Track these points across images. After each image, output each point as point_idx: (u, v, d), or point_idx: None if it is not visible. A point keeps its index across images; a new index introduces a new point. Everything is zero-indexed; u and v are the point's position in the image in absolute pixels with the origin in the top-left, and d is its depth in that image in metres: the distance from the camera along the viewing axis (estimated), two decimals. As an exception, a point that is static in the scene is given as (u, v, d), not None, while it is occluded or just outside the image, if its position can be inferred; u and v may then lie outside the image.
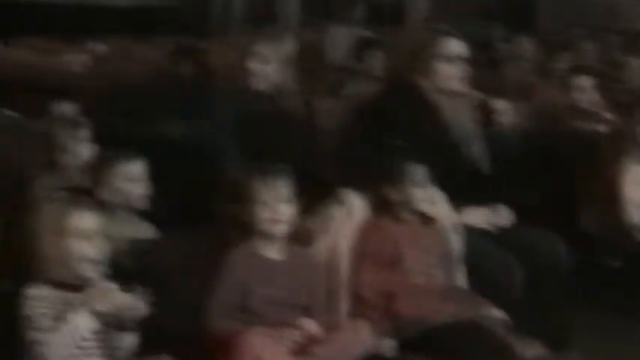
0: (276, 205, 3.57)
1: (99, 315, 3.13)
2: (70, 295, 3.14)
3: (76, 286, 3.17)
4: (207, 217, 3.93)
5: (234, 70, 5.49)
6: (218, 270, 3.53)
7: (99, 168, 4.09)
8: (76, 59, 8.22)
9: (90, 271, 3.19)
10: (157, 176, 4.10)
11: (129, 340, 3.21)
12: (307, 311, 3.61)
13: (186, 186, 4.58)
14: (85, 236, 3.19)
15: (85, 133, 4.65)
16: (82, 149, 4.59)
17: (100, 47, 8.86)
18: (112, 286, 3.19)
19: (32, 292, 3.13)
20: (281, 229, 3.60)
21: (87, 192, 4.02)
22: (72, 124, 4.73)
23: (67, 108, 5.18)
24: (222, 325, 3.45)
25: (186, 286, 3.55)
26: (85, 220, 3.21)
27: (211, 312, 3.48)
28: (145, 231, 3.96)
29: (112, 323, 3.16)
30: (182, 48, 6.86)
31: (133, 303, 3.15)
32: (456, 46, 4.49)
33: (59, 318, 3.08)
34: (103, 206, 3.40)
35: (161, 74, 7.50)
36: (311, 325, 3.50)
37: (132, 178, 4.02)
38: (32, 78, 7.78)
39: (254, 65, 5.26)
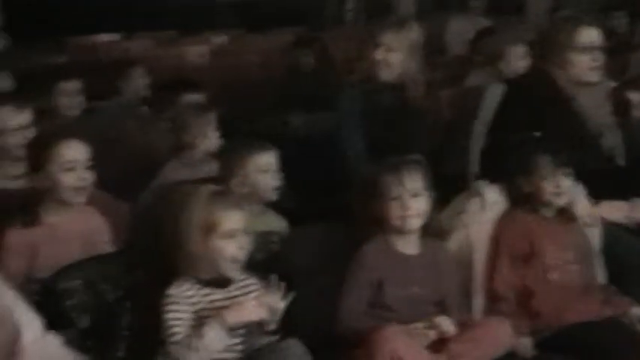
0: (410, 200, 3.49)
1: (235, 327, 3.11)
2: (210, 297, 3.12)
3: (219, 282, 3.14)
4: (336, 212, 3.88)
5: (358, 60, 5.43)
6: (350, 265, 3.47)
7: (231, 159, 4.05)
8: (195, 51, 8.25)
9: (234, 270, 3.15)
10: (282, 169, 4.06)
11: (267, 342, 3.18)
12: (441, 307, 3.53)
13: (312, 179, 4.54)
14: (232, 236, 3.14)
15: (212, 120, 4.64)
16: (211, 137, 4.58)
17: (219, 39, 8.90)
18: (250, 296, 3.16)
19: (173, 292, 3.11)
20: (415, 223, 3.52)
21: (218, 183, 4.01)
22: (200, 110, 4.71)
23: (193, 97, 5.15)
24: (356, 321, 3.39)
25: (317, 282, 3.49)
26: (234, 220, 3.15)
27: (344, 308, 3.42)
28: (278, 224, 3.92)
29: (251, 329, 3.15)
30: (302, 39, 6.83)
31: (272, 309, 3.12)
32: (591, 35, 4.35)
33: (196, 329, 3.05)
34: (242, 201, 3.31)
35: (281, 66, 7.51)
36: (446, 323, 3.41)
37: (264, 169, 3.98)
38: (153, 70, 7.84)
39: (380, 55, 5.16)
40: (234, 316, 3.08)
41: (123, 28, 9.18)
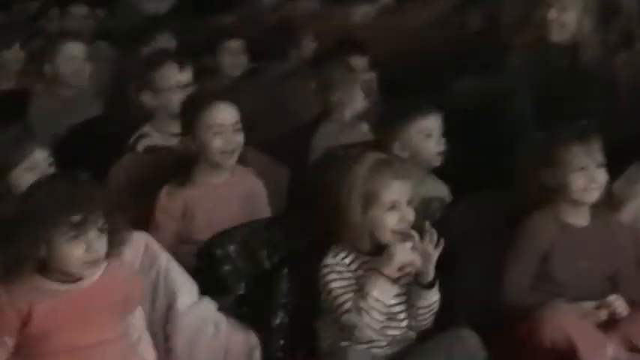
0: (594, 171, 3.28)
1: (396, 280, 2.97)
2: (370, 265, 3.00)
3: (379, 251, 3.01)
4: (501, 179, 3.70)
5: (527, 21, 5.20)
6: (516, 236, 3.29)
7: (392, 122, 3.91)
8: (360, 10, 8.11)
9: (390, 239, 3.01)
10: (447, 134, 3.90)
11: (432, 299, 3.03)
12: (613, 282, 3.32)
13: (477, 144, 4.36)
14: (394, 207, 2.99)
15: (370, 81, 4.51)
16: (357, 99, 4.46)
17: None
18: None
19: (331, 261, 3.00)
20: (596, 195, 3.30)
21: (377, 147, 3.89)
22: (346, 71, 4.58)
23: (357, 60, 5.02)
24: (521, 295, 3.23)
25: (480, 252, 3.34)
26: (397, 191, 2.99)
27: (508, 281, 3.25)
28: (439, 190, 3.78)
29: (412, 283, 3.01)
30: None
31: (425, 255, 2.96)
32: None
33: (359, 292, 2.94)
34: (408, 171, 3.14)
35: (449, 27, 7.29)
36: (619, 303, 3.21)
37: (428, 133, 3.83)
38: (318, 30, 7.75)
39: (552, 15, 4.92)
40: (388, 264, 2.93)
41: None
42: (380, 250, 2.99)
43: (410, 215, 3.00)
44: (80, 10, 6.40)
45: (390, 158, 3.08)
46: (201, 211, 3.61)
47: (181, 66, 4.20)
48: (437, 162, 3.85)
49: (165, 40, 5.42)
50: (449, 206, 3.57)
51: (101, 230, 2.72)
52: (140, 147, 4.11)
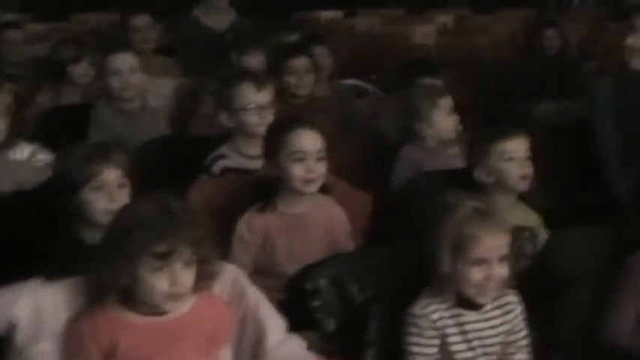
0: None
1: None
2: (461, 319, 2.85)
3: (472, 303, 2.85)
4: (593, 211, 3.54)
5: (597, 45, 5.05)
6: (620, 275, 3.11)
7: (477, 145, 3.75)
8: (421, 31, 8.00)
9: (481, 296, 2.83)
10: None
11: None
12: None
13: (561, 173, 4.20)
14: (483, 263, 2.79)
15: (446, 104, 4.36)
16: (442, 123, 4.31)
17: (445, 19, 8.62)
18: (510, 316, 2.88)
19: (418, 312, 2.84)
20: None
21: (462, 173, 3.74)
22: (431, 95, 4.43)
23: (430, 81, 4.88)
24: (623, 340, 3.05)
25: (580, 291, 3.16)
26: (488, 246, 2.79)
27: (610, 324, 3.08)
28: (531, 219, 3.61)
29: None
30: (543, 21, 6.45)
31: None
32: None
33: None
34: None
35: (514, 48, 7.17)
36: None
37: (510, 156, 3.66)
38: (378, 48, 7.64)
39: (633, 41, 4.75)
40: None
41: (345, 4, 8.99)
42: (471, 303, 2.84)
43: (499, 273, 2.80)
44: (143, 22, 6.28)
45: (487, 210, 2.86)
46: (281, 241, 3.47)
47: (259, 86, 4.07)
48: (522, 187, 3.69)
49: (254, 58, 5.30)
50: (547, 243, 3.38)
51: (188, 262, 2.58)
52: (217, 169, 3.98)
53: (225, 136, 4.41)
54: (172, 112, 5.23)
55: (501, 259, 2.79)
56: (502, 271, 2.79)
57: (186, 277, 2.58)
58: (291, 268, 3.43)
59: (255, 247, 3.46)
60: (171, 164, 4.25)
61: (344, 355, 2.89)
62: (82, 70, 5.50)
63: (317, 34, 6.27)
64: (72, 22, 8.34)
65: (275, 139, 3.50)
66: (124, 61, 4.78)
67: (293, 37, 6.07)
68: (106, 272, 2.57)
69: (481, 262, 2.77)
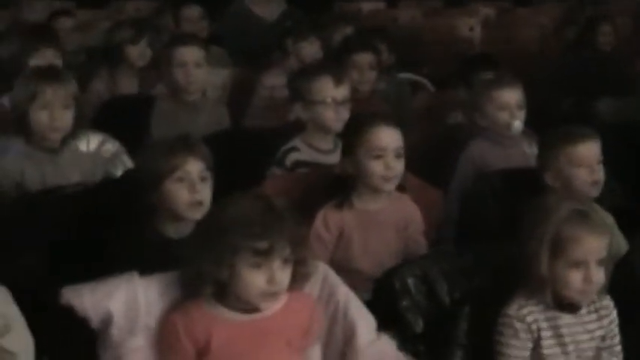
0: None
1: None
2: (556, 322, 2.84)
3: (568, 306, 2.85)
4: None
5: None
6: None
7: (546, 148, 3.70)
8: (464, 23, 7.96)
9: (581, 298, 2.83)
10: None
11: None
12: None
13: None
14: (581, 265, 2.77)
15: (510, 98, 4.31)
16: (504, 117, 4.27)
17: (487, 11, 8.57)
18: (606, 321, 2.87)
19: (512, 313, 2.83)
20: None
21: (531, 173, 3.72)
22: (494, 88, 4.38)
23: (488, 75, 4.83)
24: None
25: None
26: (588, 247, 2.77)
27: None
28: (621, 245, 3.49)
29: None
30: (597, 16, 6.40)
31: None
32: None
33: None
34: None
35: (561, 42, 7.12)
36: None
37: (583, 162, 3.58)
38: (421, 41, 7.63)
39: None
40: None
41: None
42: (568, 306, 2.83)
43: (597, 277, 2.78)
44: (194, 12, 6.26)
45: (587, 211, 2.85)
46: (357, 238, 3.47)
47: (338, 81, 4.06)
48: (594, 193, 3.63)
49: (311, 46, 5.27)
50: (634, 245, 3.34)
51: (286, 261, 2.59)
52: (289, 162, 3.98)
53: (285, 129, 4.42)
54: (227, 103, 5.21)
55: (600, 262, 2.78)
56: (600, 274, 2.78)
57: (283, 275, 2.59)
58: (366, 264, 3.45)
59: (332, 244, 3.46)
60: (233, 157, 4.24)
61: (432, 357, 2.89)
62: (139, 52, 5.45)
63: (378, 28, 6.23)
64: (110, 10, 8.31)
65: (354, 136, 3.50)
66: (190, 54, 4.76)
67: (348, 30, 6.03)
68: (205, 265, 2.58)
69: (580, 264, 2.76)
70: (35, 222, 3.36)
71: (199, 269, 2.60)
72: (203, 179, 3.17)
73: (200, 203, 3.13)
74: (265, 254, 2.54)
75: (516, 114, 4.25)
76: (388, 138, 3.45)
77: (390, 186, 3.46)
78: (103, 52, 5.63)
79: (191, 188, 3.13)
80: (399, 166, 3.45)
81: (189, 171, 3.15)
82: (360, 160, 3.44)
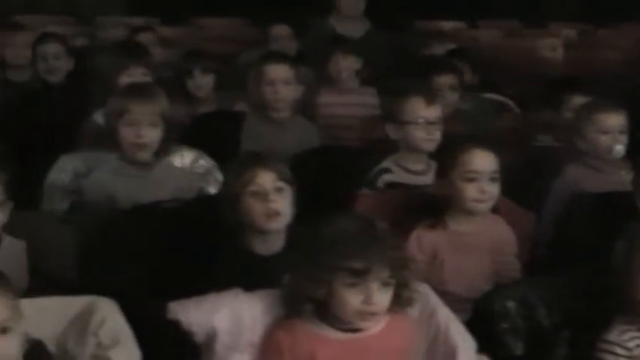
0: None
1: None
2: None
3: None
4: None
5: None
6: None
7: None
8: (545, 44, 7.91)
9: None
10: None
11: None
12: None
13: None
14: None
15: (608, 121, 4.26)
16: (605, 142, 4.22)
17: (568, 32, 8.53)
18: None
19: (613, 338, 2.80)
20: None
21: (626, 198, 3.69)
22: (596, 110, 4.32)
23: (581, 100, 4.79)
24: None
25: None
26: None
27: None
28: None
29: None
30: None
31: None
32: None
33: None
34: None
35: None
36: None
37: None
38: (501, 61, 7.60)
39: None
40: None
41: (465, 15, 8.94)
42: None
43: None
44: (283, 31, 6.32)
45: None
46: (450, 260, 3.49)
47: (429, 101, 4.08)
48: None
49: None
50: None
51: (385, 284, 2.61)
52: (381, 183, 4.01)
53: (374, 148, 4.43)
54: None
55: None
56: None
57: (381, 297, 2.61)
58: (458, 286, 3.46)
59: (424, 265, 3.47)
60: (322, 175, 4.27)
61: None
62: (195, 84, 5.45)
63: (462, 48, 6.23)
64: (197, 27, 8.41)
65: (449, 158, 3.51)
66: (279, 72, 4.79)
67: (438, 49, 6.04)
68: (302, 283, 2.62)
69: None
70: (134, 235, 3.43)
71: (297, 287, 2.64)
72: (278, 190, 3.20)
73: (277, 213, 3.17)
74: (362, 275, 2.58)
75: (619, 138, 4.23)
76: (483, 161, 3.47)
77: (484, 209, 3.48)
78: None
79: (265, 199, 3.17)
80: (493, 190, 3.46)
81: (261, 183, 3.19)
82: (454, 182, 3.46)
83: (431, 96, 4.13)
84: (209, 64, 5.52)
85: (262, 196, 3.16)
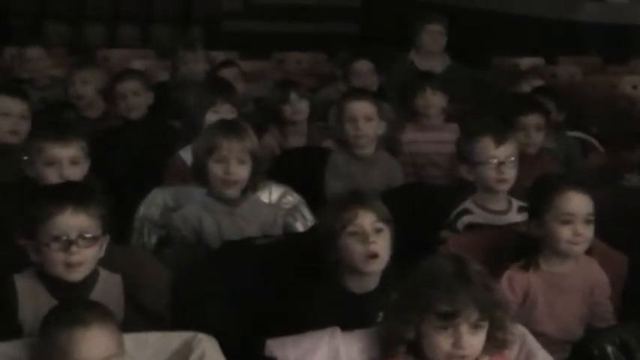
0: None
1: None
2: None
3: None
4: None
5: None
6: None
7: None
8: (627, 81, 7.83)
9: None
10: None
11: None
12: None
13: None
14: None
15: None
16: None
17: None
18: None
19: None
20: None
21: None
22: None
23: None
24: None
25: None
26: None
27: None
28: None
29: None
30: None
31: None
32: None
33: None
34: None
35: None
36: None
37: None
38: (581, 98, 7.54)
39: None
40: None
41: (542, 51, 8.90)
42: None
43: None
44: (365, 67, 6.33)
45: None
46: (542, 300, 3.46)
47: (500, 141, 4.03)
48: None
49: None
50: None
51: (476, 326, 2.61)
52: (461, 225, 3.99)
53: (455, 187, 4.41)
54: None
55: None
56: None
57: (473, 340, 2.61)
58: (550, 327, 3.44)
59: (516, 305, 3.44)
60: (409, 214, 4.25)
61: None
62: (292, 110, 5.46)
63: (547, 86, 6.18)
64: (276, 61, 8.47)
65: (542, 199, 3.49)
66: (362, 108, 4.78)
67: (524, 86, 5.99)
68: (394, 324, 2.62)
69: None
70: (227, 272, 3.45)
71: (391, 328, 2.65)
72: (377, 231, 3.21)
73: (376, 255, 3.17)
74: (450, 317, 2.58)
75: None
76: (578, 203, 3.44)
77: (579, 251, 3.46)
78: (267, 106, 5.70)
79: (365, 240, 3.17)
80: (588, 232, 3.43)
81: (361, 224, 3.20)
82: (547, 223, 3.44)
83: (501, 135, 4.07)
84: (303, 91, 5.56)
85: (362, 236, 3.17)
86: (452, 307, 2.57)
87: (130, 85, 5.50)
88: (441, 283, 2.60)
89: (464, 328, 2.58)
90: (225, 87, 5.20)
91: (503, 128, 4.34)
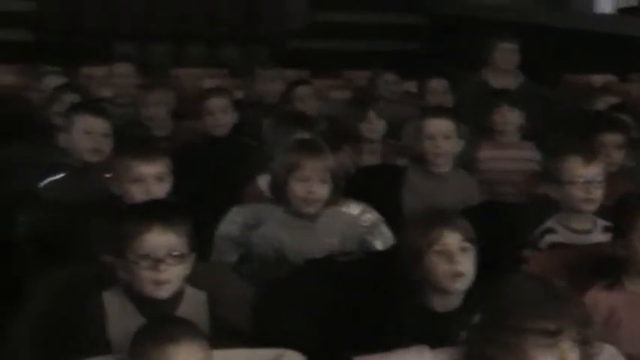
0: None
1: None
2: None
3: None
4: None
5: None
6: None
7: None
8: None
9: None
10: None
11: None
12: None
13: None
14: None
15: None
16: None
17: None
18: None
19: None
20: None
21: None
22: None
23: None
24: None
25: None
26: None
27: None
28: None
29: None
30: None
31: None
32: None
33: None
34: None
35: None
36: None
37: None
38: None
39: None
40: None
41: (613, 68, 8.81)
42: None
43: None
44: (440, 85, 6.34)
45: None
46: (626, 320, 3.43)
47: (588, 160, 4.01)
48: None
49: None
50: None
51: (575, 342, 2.60)
52: (544, 244, 3.97)
53: (533, 206, 4.38)
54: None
55: None
56: None
57: (574, 357, 2.59)
58: (635, 348, 3.39)
59: (599, 326, 3.41)
60: (487, 232, 4.23)
61: None
62: (368, 127, 5.47)
63: (625, 103, 6.12)
64: (345, 79, 8.49)
65: (626, 218, 3.46)
66: (440, 126, 4.80)
67: (600, 104, 5.95)
68: (489, 347, 2.61)
69: None
70: (310, 290, 3.47)
71: (482, 350, 2.64)
72: (463, 250, 3.22)
73: (462, 274, 3.17)
74: (555, 335, 2.57)
75: None
76: None
77: None
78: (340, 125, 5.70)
79: (450, 260, 3.18)
80: None
81: (447, 243, 3.21)
82: (633, 243, 3.41)
83: (590, 154, 4.05)
84: (381, 109, 5.55)
85: (448, 256, 3.18)
86: (557, 325, 2.58)
87: (218, 103, 5.56)
88: (542, 301, 2.60)
89: (567, 345, 2.59)
90: (306, 121, 5.09)
91: (591, 147, 4.32)
